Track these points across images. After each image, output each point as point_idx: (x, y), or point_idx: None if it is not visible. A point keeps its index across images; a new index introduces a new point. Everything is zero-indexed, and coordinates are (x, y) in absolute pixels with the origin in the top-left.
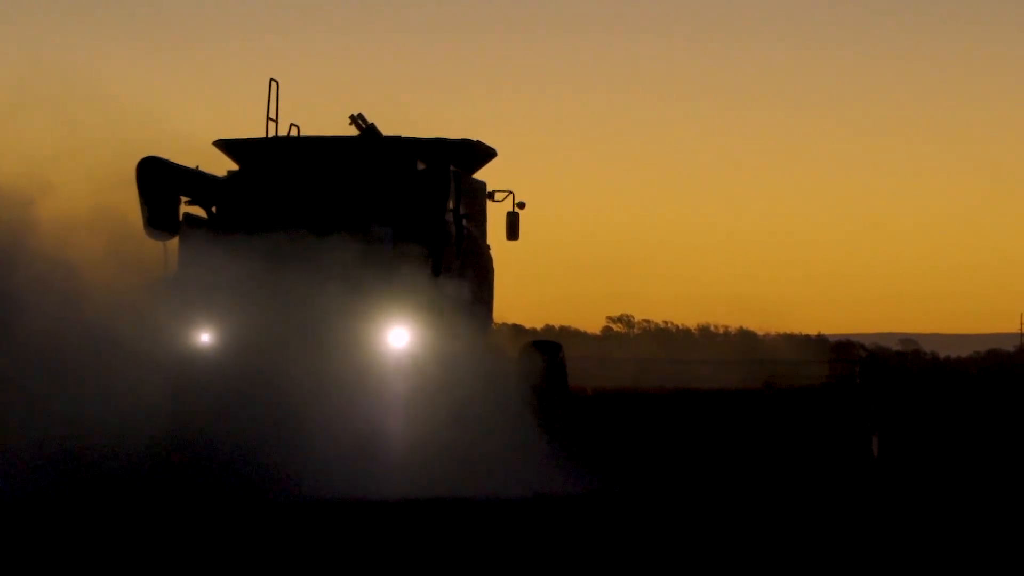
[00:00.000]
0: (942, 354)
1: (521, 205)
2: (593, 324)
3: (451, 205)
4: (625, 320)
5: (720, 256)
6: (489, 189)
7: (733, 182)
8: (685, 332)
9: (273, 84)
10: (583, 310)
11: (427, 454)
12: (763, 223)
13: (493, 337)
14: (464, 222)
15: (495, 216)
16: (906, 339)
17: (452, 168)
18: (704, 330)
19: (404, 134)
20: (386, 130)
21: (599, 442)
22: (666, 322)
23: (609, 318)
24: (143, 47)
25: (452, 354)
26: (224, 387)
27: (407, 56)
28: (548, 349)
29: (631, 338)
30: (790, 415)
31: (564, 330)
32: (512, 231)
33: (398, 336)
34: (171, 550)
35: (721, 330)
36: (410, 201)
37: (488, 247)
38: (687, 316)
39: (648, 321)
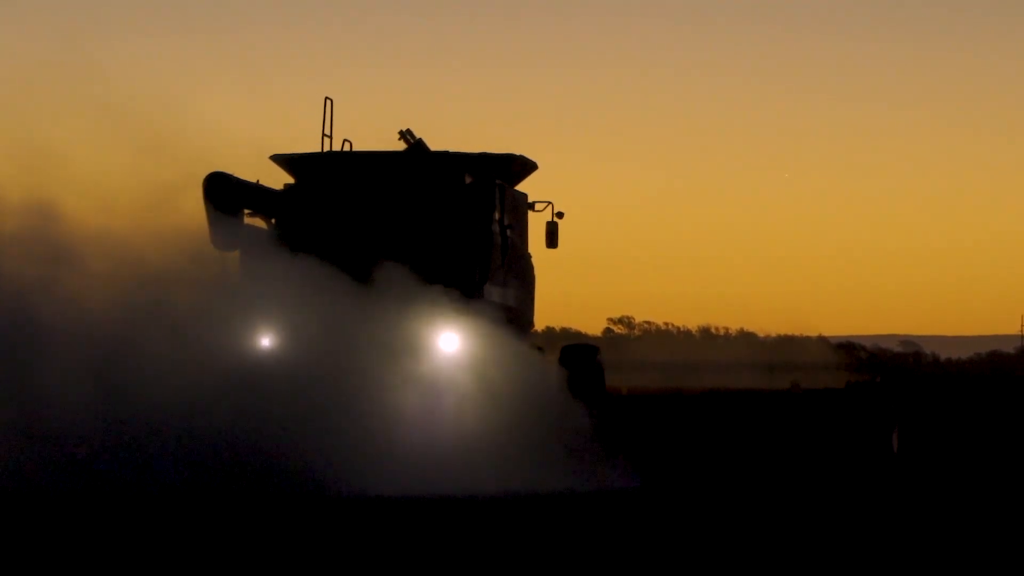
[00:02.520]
0: (943, 356)
1: (560, 215)
2: (594, 326)
3: (496, 216)
4: (626, 322)
5: (720, 258)
6: (529, 200)
7: (733, 184)
8: (686, 333)
9: (328, 102)
10: (584, 312)
11: (475, 451)
12: (764, 225)
13: (534, 339)
14: (508, 232)
15: (535, 225)
16: (907, 341)
17: (497, 181)
18: (705, 332)
19: (449, 148)
20: (432, 144)
21: (637, 440)
22: (667, 324)
23: (610, 319)
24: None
25: (497, 357)
26: (283, 387)
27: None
28: (586, 351)
29: (632, 340)
30: (817, 414)
31: (565, 332)
32: (551, 239)
33: (448, 340)
34: (231, 541)
35: (722, 331)
36: (458, 212)
37: (529, 255)
38: (688, 318)
39: (649, 323)
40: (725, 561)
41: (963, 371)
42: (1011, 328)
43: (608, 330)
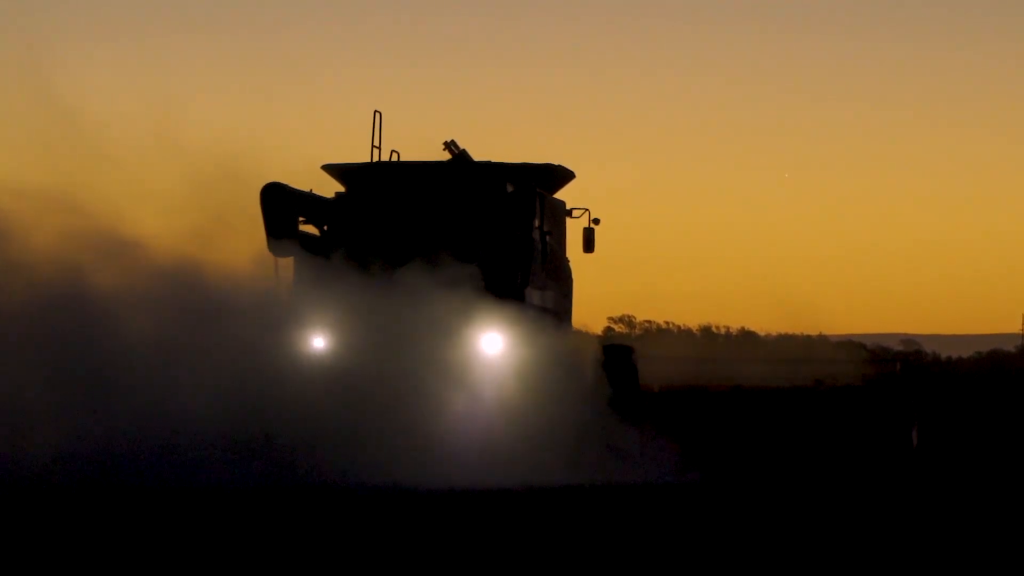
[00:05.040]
0: (943, 354)
1: (596, 221)
2: (595, 324)
3: (536, 223)
4: (626, 320)
5: (720, 257)
6: (567, 207)
7: (734, 183)
8: (687, 332)
9: (376, 115)
10: (584, 310)
11: (516, 448)
12: (764, 224)
13: (572, 340)
14: (547, 238)
15: (573, 231)
16: (908, 339)
17: (537, 189)
18: (705, 330)
19: (491, 157)
20: (475, 154)
21: (671, 434)
22: (667, 322)
23: (610, 318)
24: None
25: (538, 357)
26: (334, 387)
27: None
28: (621, 351)
29: (632, 339)
30: (840, 409)
31: None
32: (588, 245)
33: (491, 341)
34: (290, 530)
35: (722, 330)
36: (500, 220)
37: (567, 260)
38: (688, 317)
39: (649, 322)
40: (751, 551)
41: (968, 371)
42: (1011, 327)
43: (609, 329)
